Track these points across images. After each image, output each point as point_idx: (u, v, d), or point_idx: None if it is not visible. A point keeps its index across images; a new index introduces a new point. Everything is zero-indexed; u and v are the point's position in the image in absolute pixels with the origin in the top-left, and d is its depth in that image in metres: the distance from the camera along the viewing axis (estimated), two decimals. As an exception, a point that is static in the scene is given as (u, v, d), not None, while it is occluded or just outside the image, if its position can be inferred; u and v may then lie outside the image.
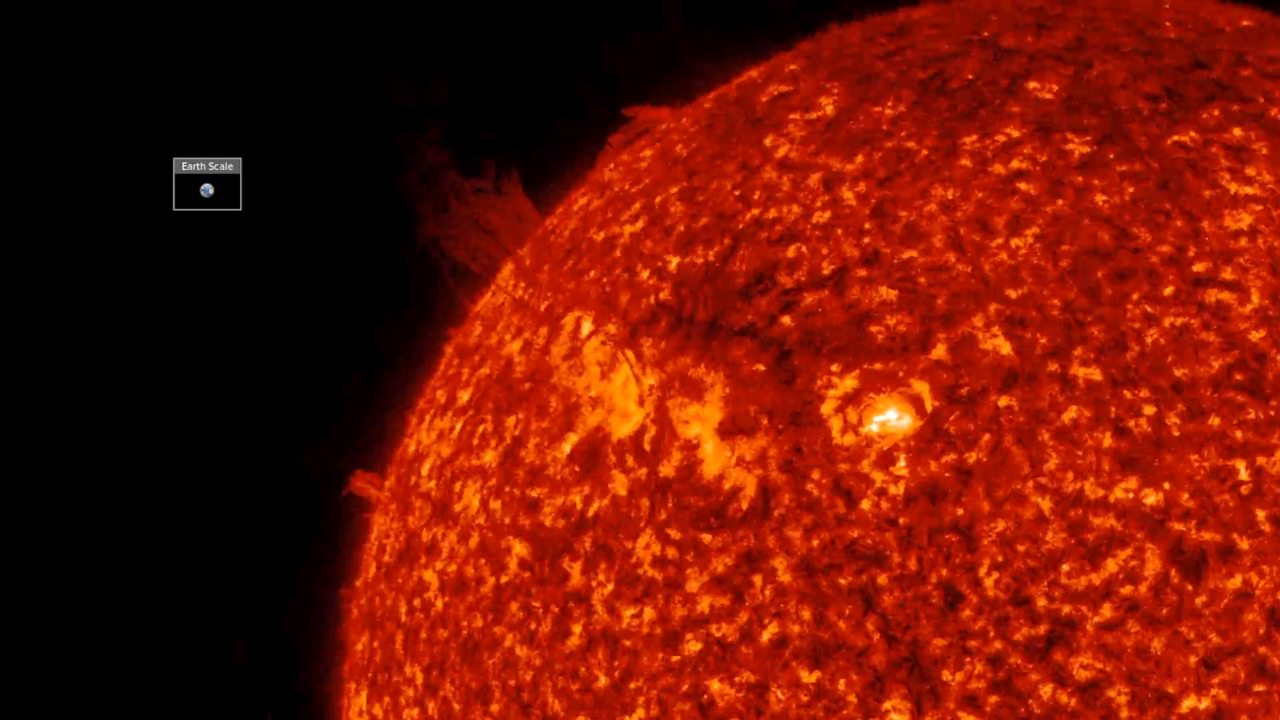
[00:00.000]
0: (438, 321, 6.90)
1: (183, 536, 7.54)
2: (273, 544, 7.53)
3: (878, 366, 5.34)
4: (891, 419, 5.29)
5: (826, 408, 5.36)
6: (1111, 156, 5.62)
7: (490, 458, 5.96)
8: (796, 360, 5.43)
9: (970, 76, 5.97)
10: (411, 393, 6.93)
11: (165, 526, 7.53)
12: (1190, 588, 5.05)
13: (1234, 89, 5.88)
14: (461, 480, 6.05)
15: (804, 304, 5.51)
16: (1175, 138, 5.67)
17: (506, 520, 5.77)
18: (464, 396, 6.31)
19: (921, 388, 5.29)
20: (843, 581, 5.19)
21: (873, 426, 5.30)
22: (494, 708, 5.67)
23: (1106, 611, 5.06)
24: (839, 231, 5.64)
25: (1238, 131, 5.71)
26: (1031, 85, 5.89)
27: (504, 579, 5.71)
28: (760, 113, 6.23)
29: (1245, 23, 6.39)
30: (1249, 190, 5.56)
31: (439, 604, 5.96)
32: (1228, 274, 5.39)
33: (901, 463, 5.23)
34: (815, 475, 5.28)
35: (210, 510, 7.53)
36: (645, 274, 5.86)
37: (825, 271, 5.56)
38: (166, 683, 7.60)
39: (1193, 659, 5.03)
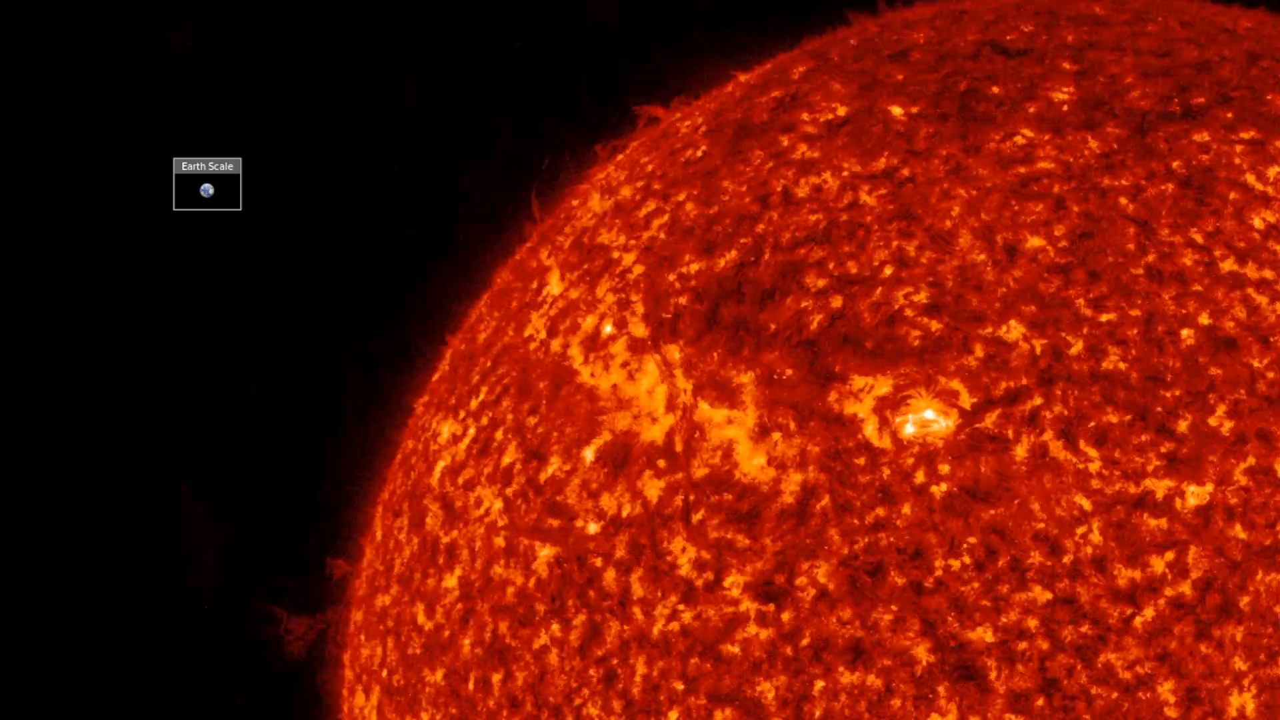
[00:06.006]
0: (438, 324, 6.76)
1: (180, 538, 7.37)
2: (270, 548, 7.36)
3: (912, 367, 5.22)
4: (929, 420, 5.17)
5: (862, 409, 5.23)
6: (1132, 157, 5.53)
7: (511, 460, 5.79)
8: (829, 362, 5.30)
9: (982, 78, 5.87)
10: (415, 395, 6.78)
11: (162, 527, 7.35)
12: (1235, 587, 4.96)
13: (1246, 88, 5.80)
14: (481, 483, 5.89)
15: (833, 306, 5.38)
16: (1193, 138, 5.59)
17: (532, 523, 5.61)
18: (477, 399, 6.15)
19: (958, 388, 5.17)
20: (885, 583, 5.06)
21: (910, 428, 5.18)
22: (523, 711, 5.51)
23: (1151, 612, 4.96)
24: (862, 233, 5.52)
25: (1254, 131, 5.63)
26: (1045, 86, 5.79)
27: (532, 582, 5.55)
28: (770, 114, 6.10)
29: (1251, 23, 6.33)
30: (1271, 189, 5.49)
31: (460, 608, 5.79)
32: (1257, 273, 5.31)
33: (941, 463, 5.11)
34: (853, 477, 5.16)
35: (207, 512, 7.36)
36: (667, 276, 5.72)
37: (852, 273, 5.43)
38: (160, 687, 7.43)
39: (1238, 658, 4.95)
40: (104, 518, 7.27)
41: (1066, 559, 4.98)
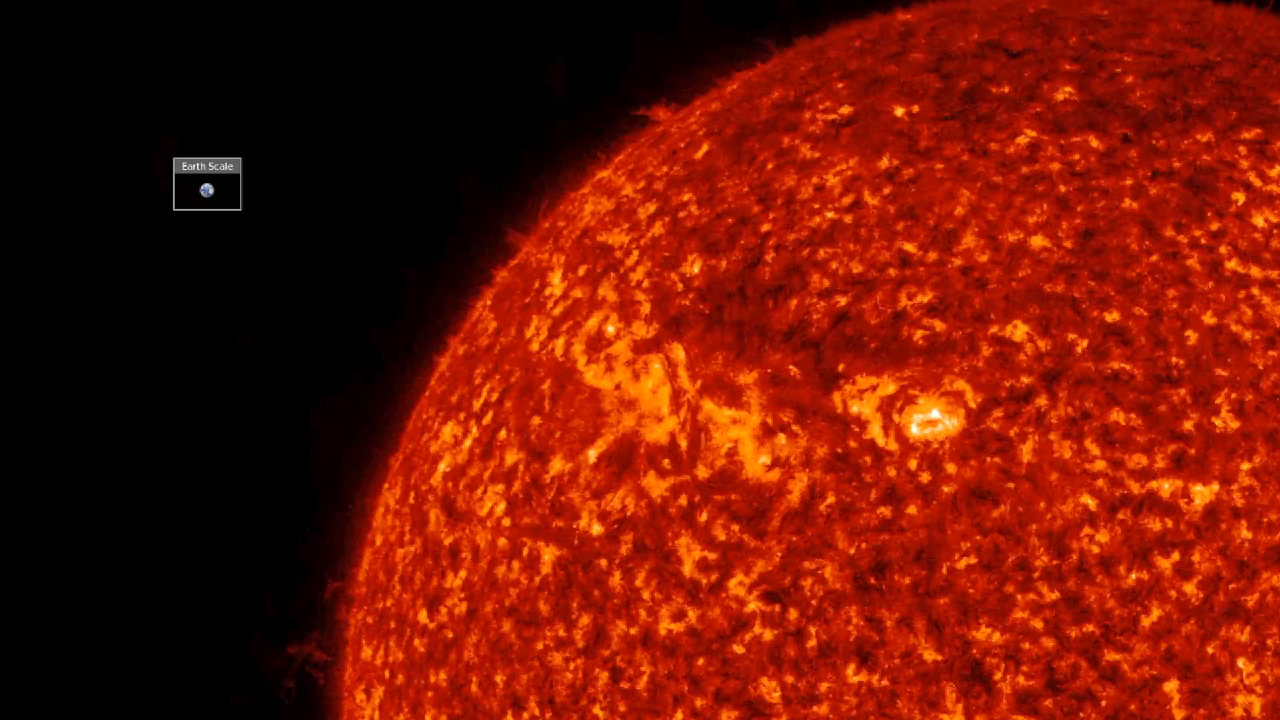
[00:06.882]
0: (437, 324, 6.74)
1: (178, 539, 7.33)
2: (269, 550, 7.33)
3: (918, 367, 5.20)
4: (934, 420, 5.15)
5: (867, 409, 5.22)
6: (1135, 157, 5.51)
7: (514, 461, 5.77)
8: (834, 362, 5.28)
9: (984, 78, 5.85)
10: (414, 396, 6.75)
11: (161, 528, 7.32)
12: (1241, 588, 4.95)
13: (1248, 88, 5.79)
14: (483, 484, 5.86)
15: (838, 306, 5.36)
16: (1195, 137, 5.57)
17: (536, 523, 5.58)
18: (479, 400, 6.12)
19: (963, 388, 5.15)
20: (891, 582, 5.04)
21: (915, 428, 5.16)
22: (527, 712, 5.49)
23: (1157, 612, 4.95)
24: (866, 233, 5.50)
25: (1256, 130, 5.62)
26: (1047, 87, 5.78)
27: (536, 582, 5.53)
28: (772, 114, 6.08)
29: (1252, 23, 6.32)
30: (1274, 189, 5.48)
31: (464, 608, 5.77)
32: (1261, 273, 5.29)
33: (947, 463, 5.09)
34: (859, 477, 5.14)
35: (206, 513, 7.32)
36: (670, 276, 5.70)
37: (857, 273, 5.41)
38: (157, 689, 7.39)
39: (1243, 659, 4.93)
40: (102, 517, 7.23)
41: (1073, 559, 4.97)
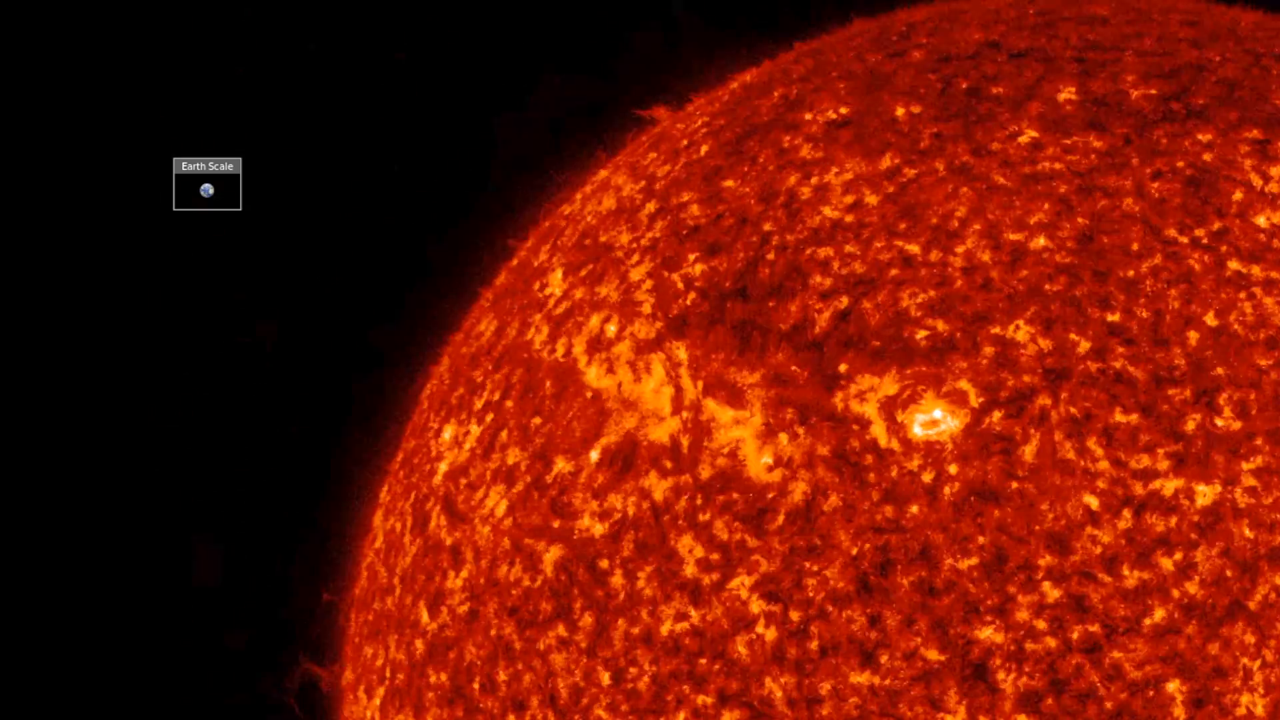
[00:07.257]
0: (437, 324, 6.73)
1: (177, 539, 7.32)
2: (268, 550, 7.32)
3: (920, 368, 5.20)
4: (936, 420, 5.15)
5: (869, 409, 5.21)
6: (1136, 157, 5.51)
7: (515, 461, 5.76)
8: (836, 362, 5.28)
9: (985, 78, 5.85)
10: (414, 396, 6.75)
11: (160, 529, 7.31)
12: (1244, 588, 4.95)
13: (1249, 88, 5.79)
14: (484, 484, 5.85)
15: (840, 306, 5.35)
16: (1196, 137, 5.57)
17: (537, 523, 5.58)
18: (480, 400, 6.12)
19: (966, 388, 5.15)
20: (893, 583, 5.04)
21: (917, 428, 5.16)
22: (529, 712, 5.48)
23: (1160, 612, 4.94)
24: (867, 233, 5.50)
25: (1257, 131, 5.62)
26: (1048, 86, 5.77)
27: (538, 582, 5.52)
28: (772, 114, 6.08)
29: (1253, 23, 6.32)
30: (1275, 189, 5.47)
31: (465, 608, 5.76)
32: (1263, 273, 5.29)
33: (949, 463, 5.09)
34: (861, 477, 5.13)
35: (206, 514, 7.32)
36: (671, 276, 5.69)
37: (859, 273, 5.41)
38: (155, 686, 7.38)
39: (1246, 659, 4.93)
40: (101, 518, 7.22)
41: (1075, 559, 4.96)
